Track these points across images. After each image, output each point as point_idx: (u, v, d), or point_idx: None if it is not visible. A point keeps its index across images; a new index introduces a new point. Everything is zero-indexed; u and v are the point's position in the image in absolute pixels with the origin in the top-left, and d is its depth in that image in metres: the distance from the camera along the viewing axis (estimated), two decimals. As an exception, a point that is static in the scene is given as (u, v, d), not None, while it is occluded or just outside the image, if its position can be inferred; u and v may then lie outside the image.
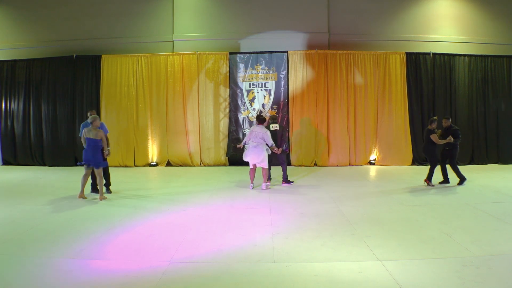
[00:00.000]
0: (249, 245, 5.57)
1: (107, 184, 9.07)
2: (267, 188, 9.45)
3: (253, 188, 9.55)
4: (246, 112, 13.21)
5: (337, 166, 13.02)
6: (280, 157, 9.91)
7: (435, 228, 6.21)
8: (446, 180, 9.84)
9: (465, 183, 9.65)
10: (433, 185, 9.60)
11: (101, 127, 8.85)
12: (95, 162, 8.43)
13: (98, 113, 13.15)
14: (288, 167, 10.39)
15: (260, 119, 9.49)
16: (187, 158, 13.36)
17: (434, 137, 9.51)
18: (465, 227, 6.26)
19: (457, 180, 9.74)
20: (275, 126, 9.96)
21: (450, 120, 9.86)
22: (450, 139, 9.43)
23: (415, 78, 13.25)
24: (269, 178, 9.79)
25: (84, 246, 5.58)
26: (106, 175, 9.00)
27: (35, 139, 13.62)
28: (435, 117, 9.94)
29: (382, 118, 13.15)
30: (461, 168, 12.32)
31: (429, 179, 9.64)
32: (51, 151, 13.50)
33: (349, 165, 13.17)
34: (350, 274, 4.60)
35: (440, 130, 9.90)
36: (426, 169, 9.77)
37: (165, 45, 13.61)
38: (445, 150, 9.79)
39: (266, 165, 9.40)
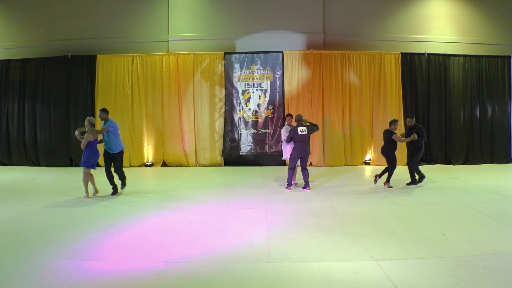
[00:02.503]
0: (245, 245, 5.57)
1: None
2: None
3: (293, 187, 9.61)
4: (241, 112, 13.20)
5: (332, 166, 13.03)
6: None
7: (430, 228, 6.24)
8: (413, 181, 9.72)
9: (412, 186, 9.51)
10: (391, 187, 9.50)
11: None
12: None
13: (93, 113, 13.11)
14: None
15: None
16: (182, 158, 13.33)
17: (396, 137, 9.35)
18: (460, 227, 6.29)
19: (409, 180, 9.72)
20: (303, 130, 9.36)
21: (414, 120, 9.84)
22: (414, 136, 9.37)
23: (410, 78, 13.28)
24: (290, 184, 9.48)
25: (80, 246, 5.56)
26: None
27: (29, 139, 13.53)
28: (396, 119, 9.83)
29: (377, 118, 13.17)
30: (456, 167, 12.56)
31: (387, 181, 9.55)
32: (45, 151, 13.42)
33: (345, 165, 13.19)
34: (346, 274, 4.61)
35: (403, 132, 9.94)
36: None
37: (161, 45, 13.57)
38: (410, 150, 9.73)
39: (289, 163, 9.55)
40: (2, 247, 5.60)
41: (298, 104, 13.09)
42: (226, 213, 7.36)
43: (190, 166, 13.26)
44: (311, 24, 13.44)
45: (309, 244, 5.61)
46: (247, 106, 13.22)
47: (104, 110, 9.04)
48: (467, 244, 5.46)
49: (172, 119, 13.28)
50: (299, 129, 9.26)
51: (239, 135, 13.21)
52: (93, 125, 8.65)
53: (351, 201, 8.19)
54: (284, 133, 9.86)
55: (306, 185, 9.35)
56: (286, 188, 9.42)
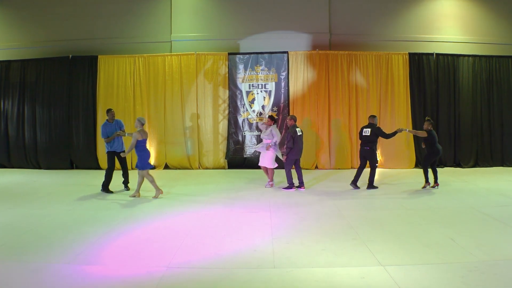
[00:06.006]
0: (249, 250, 5.50)
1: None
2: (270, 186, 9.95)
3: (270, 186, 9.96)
4: (245, 114, 13.09)
5: (338, 169, 12.89)
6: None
7: (438, 233, 6.13)
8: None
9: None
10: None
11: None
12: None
13: (95, 115, 13.06)
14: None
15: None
16: (185, 161, 13.23)
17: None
18: (469, 231, 6.17)
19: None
20: (300, 131, 9.51)
21: (374, 121, 9.50)
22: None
23: (418, 79, 13.10)
24: (293, 184, 9.59)
25: (80, 251, 5.51)
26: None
27: (29, 141, 13.41)
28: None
29: (385, 120, 12.97)
30: (465, 170, 12.45)
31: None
32: (46, 153, 13.30)
33: (351, 168, 12.99)
34: (352, 280, 4.54)
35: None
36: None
37: (163, 46, 13.49)
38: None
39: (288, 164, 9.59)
40: (2, 250, 5.56)
41: (304, 106, 12.97)
42: (229, 217, 7.29)
43: (193, 169, 13.15)
44: (316, 24, 13.31)
45: (314, 249, 5.51)
46: (251, 107, 13.11)
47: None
48: (476, 250, 5.34)
49: (175, 121, 13.18)
50: (297, 129, 9.23)
51: (243, 137, 13.10)
52: (142, 125, 8.84)
53: (357, 205, 8.07)
54: (275, 135, 9.70)
55: (302, 185, 9.57)
56: (291, 188, 9.40)
